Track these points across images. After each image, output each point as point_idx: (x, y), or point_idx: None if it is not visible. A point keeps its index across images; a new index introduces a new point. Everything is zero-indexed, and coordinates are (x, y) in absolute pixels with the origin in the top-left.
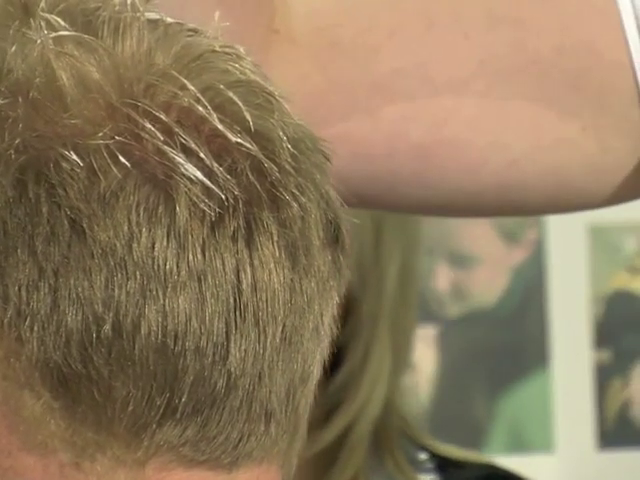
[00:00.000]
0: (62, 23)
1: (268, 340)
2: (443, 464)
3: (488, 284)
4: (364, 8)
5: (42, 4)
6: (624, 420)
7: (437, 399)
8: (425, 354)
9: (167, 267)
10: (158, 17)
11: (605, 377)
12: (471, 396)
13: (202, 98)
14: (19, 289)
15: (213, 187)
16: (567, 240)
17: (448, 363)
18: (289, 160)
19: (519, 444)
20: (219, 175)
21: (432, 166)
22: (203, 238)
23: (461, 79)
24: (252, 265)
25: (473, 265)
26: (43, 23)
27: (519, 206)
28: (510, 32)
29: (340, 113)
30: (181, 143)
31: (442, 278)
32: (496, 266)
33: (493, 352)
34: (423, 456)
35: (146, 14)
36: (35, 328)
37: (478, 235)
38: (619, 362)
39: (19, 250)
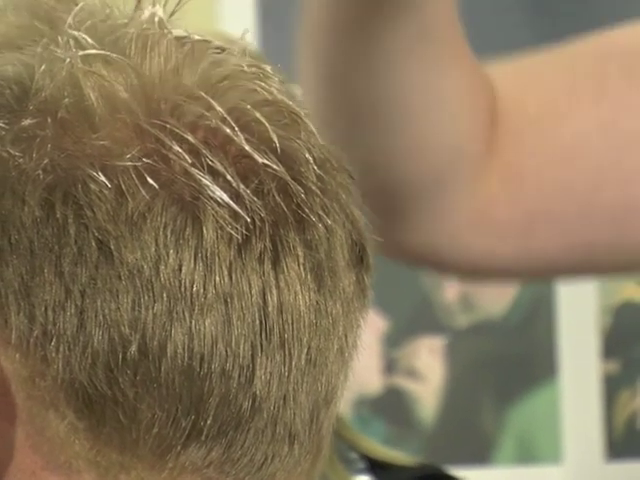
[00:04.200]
0: (90, 41)
1: (293, 362)
2: (375, 465)
3: (496, 295)
4: (541, 75)
5: (69, 20)
6: (632, 431)
7: (445, 409)
8: (433, 364)
9: (194, 289)
10: (185, 34)
11: (613, 388)
12: (479, 407)
13: (228, 118)
14: (45, 309)
15: (239, 210)
16: None
17: (456, 374)
18: (315, 181)
19: (527, 455)
20: (245, 197)
21: (627, 228)
22: (230, 260)
23: None
24: (278, 287)
25: None
26: (72, 41)
27: None
28: None
29: (533, 185)
30: (208, 165)
31: (450, 289)
32: None
33: (501, 363)
34: (353, 455)
35: (173, 31)
36: (61, 349)
37: None
38: (627, 373)
39: (46, 270)
